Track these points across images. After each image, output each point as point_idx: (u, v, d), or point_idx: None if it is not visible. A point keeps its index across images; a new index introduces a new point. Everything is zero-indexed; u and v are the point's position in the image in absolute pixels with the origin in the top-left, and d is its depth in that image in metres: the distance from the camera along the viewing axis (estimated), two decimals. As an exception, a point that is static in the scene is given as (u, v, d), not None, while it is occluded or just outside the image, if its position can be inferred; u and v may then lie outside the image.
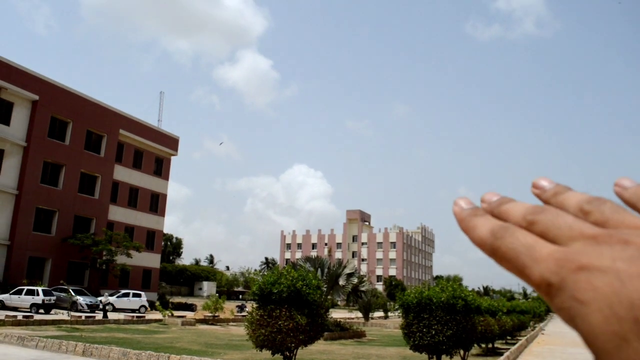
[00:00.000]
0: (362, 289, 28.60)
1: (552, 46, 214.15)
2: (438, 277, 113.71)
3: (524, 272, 0.34)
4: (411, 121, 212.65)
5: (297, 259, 30.54)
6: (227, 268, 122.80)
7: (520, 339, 24.10)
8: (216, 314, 32.75)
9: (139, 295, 39.88)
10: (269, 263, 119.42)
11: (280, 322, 10.24)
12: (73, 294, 33.83)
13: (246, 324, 11.07)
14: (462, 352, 14.11)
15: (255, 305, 11.22)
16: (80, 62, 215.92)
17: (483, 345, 19.78)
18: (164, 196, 56.77)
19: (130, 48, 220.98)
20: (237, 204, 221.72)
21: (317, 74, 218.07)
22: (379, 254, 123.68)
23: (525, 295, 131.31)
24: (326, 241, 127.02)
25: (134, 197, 52.70)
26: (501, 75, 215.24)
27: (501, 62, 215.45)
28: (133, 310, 37.42)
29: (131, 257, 44.31)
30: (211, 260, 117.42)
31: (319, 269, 25.62)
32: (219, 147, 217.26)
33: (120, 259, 44.02)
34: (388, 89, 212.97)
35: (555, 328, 45.47)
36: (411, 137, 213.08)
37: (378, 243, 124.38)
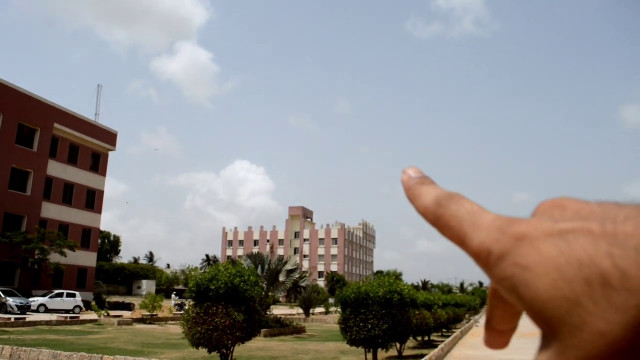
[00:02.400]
0: (302, 284, 28.73)
1: (489, 45, 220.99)
2: (379, 273, 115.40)
3: (464, 240, 0.32)
4: (353, 117, 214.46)
5: (239, 255, 30.34)
6: (168, 266, 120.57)
7: (455, 331, 24.86)
8: (154, 313, 32.14)
9: (73, 295, 38.66)
10: (210, 260, 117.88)
11: (216, 320, 10.18)
12: (2, 295, 32.44)
13: (182, 322, 10.95)
14: (398, 345, 14.45)
15: (192, 303, 11.11)
16: (9, 50, 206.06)
17: (419, 338, 20.28)
18: (101, 192, 55.15)
19: (64, 36, 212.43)
20: (176, 201, 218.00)
21: (258, 67, 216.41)
22: (321, 250, 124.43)
23: (462, 288, 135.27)
24: (268, 238, 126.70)
25: (68, 194, 50.93)
26: (440, 73, 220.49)
27: (440, 60, 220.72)
28: (67, 311, 36.20)
29: (65, 256, 42.81)
30: (151, 258, 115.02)
31: (259, 266, 25.57)
32: (158, 143, 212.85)
33: (54, 258, 42.47)
34: (330, 84, 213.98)
35: (489, 320, 46.99)
36: (353, 133, 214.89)
37: (320, 239, 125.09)
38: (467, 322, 35.29)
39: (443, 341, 18.50)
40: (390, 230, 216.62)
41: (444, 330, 26.05)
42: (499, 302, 0.37)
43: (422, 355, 14.10)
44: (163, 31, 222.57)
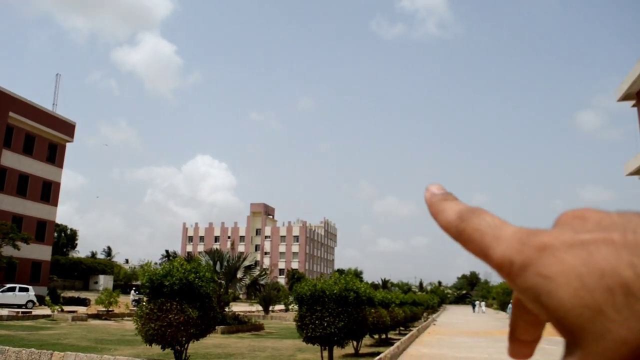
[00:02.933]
0: (262, 282, 28.66)
1: (452, 48, 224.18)
2: (339, 271, 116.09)
3: (487, 253, 0.33)
4: (316, 115, 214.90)
5: (199, 252, 30.06)
6: (127, 261, 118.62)
7: (413, 330, 25.18)
8: (110, 309, 31.57)
9: (26, 290, 37.64)
10: (169, 256, 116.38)
11: (170, 316, 10.07)
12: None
13: (135, 318, 10.78)
14: (354, 342, 14.54)
15: (145, 299, 10.95)
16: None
17: (376, 336, 20.46)
18: (57, 185, 53.81)
19: (22, 22, 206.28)
20: (136, 195, 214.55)
21: (222, 62, 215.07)
22: (282, 248, 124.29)
23: (421, 287, 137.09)
24: (229, 234, 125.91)
25: (23, 185, 49.53)
26: (403, 74, 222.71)
27: (404, 60, 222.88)
28: (19, 306, 35.27)
29: (19, 249, 41.59)
30: (109, 252, 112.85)
31: (218, 262, 25.39)
32: (118, 136, 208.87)
33: (7, 251, 41.23)
34: (294, 81, 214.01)
35: (445, 319, 47.85)
36: (315, 131, 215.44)
37: (281, 237, 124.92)
38: (425, 321, 35.77)
39: (400, 339, 18.72)
40: (351, 229, 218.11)
41: (401, 328, 26.35)
42: (523, 313, 0.37)
43: (378, 353, 14.22)
44: (125, 21, 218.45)
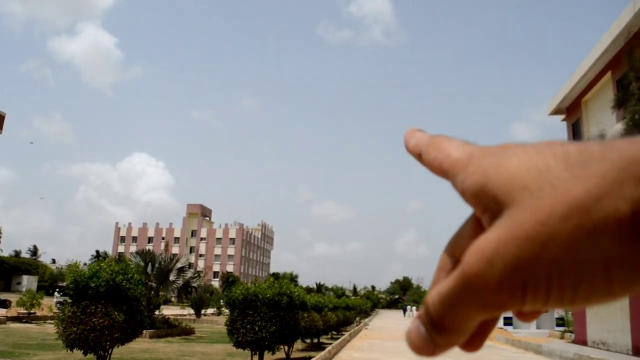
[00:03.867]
0: (194, 284, 28.09)
1: (396, 55, 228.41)
2: (274, 274, 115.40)
3: (448, 156, 0.35)
4: (257, 116, 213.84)
5: (132, 252, 29.13)
6: (53, 261, 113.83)
7: (345, 334, 25.32)
8: (32, 311, 30.10)
9: (-61, 290, 35.41)
10: (100, 256, 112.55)
11: (94, 319, 9.64)
12: None
13: (56, 321, 10.27)
14: (286, 347, 14.43)
15: (69, 301, 10.45)
16: None
17: (308, 341, 20.42)
18: (-21, 180, 50.96)
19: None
20: (67, 192, 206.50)
21: (164, 57, 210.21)
22: (218, 250, 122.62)
23: (355, 292, 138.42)
24: (164, 235, 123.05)
25: (-59, 179, 46.65)
26: (347, 79, 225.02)
27: (348, 66, 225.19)
28: None
29: None
30: (34, 252, 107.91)
31: (150, 263, 24.67)
32: (52, 129, 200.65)
33: None
34: (236, 80, 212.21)
35: (378, 323, 48.46)
36: (256, 132, 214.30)
37: (217, 239, 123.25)
38: (357, 325, 36.06)
39: (331, 344, 18.75)
40: (289, 232, 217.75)
41: (333, 332, 26.42)
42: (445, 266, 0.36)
43: (310, 358, 14.19)
44: (65, 9, 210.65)
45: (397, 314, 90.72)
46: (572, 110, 28.23)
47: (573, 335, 27.09)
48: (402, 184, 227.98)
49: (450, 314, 0.31)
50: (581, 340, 25.05)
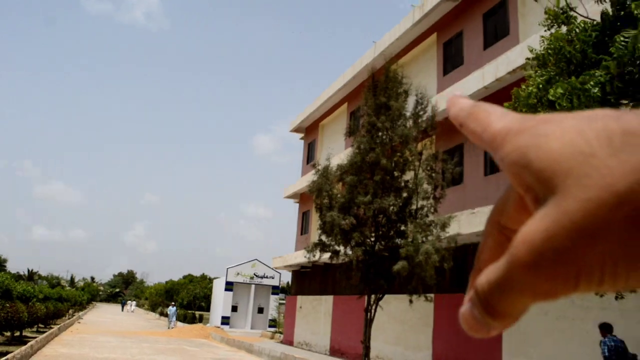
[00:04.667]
0: None
1: (155, 41, 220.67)
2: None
3: (488, 127, 0.34)
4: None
5: None
6: None
7: (54, 327, 23.36)
8: None
9: None
10: None
11: None
12: None
13: None
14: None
15: None
16: None
17: (8, 333, 18.32)
18: None
19: None
20: None
21: None
22: None
23: (72, 283, 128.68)
24: None
25: None
26: (101, 52, 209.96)
27: (103, 39, 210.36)
28: None
29: None
30: None
31: None
32: None
33: None
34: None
35: (93, 317, 45.84)
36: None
37: None
38: (69, 318, 33.62)
39: (37, 337, 17.12)
40: (1, 211, 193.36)
41: (40, 325, 24.18)
42: (494, 230, 0.36)
43: (7, 353, 12.73)
44: None
45: (116, 308, 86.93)
46: (310, 131, 30.76)
47: (282, 336, 29.21)
48: (140, 174, 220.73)
49: (502, 301, 0.30)
50: (289, 341, 27.17)
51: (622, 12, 6.55)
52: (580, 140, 0.28)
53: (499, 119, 0.33)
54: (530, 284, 0.28)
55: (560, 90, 6.02)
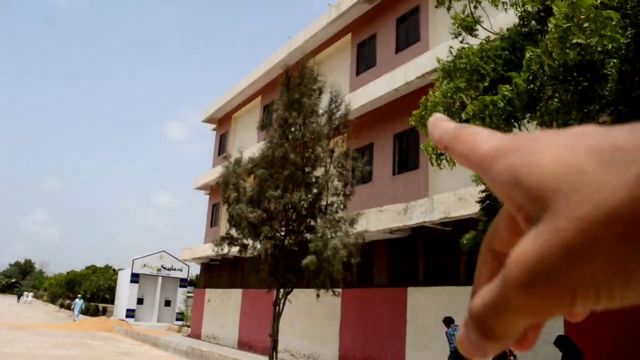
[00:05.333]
0: None
1: (64, 16, 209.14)
2: None
3: (476, 149, 0.33)
4: None
5: None
6: None
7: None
8: None
9: None
10: None
11: None
12: None
13: None
14: None
15: None
16: None
17: None
18: None
19: None
20: None
21: None
22: None
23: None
24: None
25: None
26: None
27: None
28: None
29: None
30: None
31: None
32: None
33: None
34: None
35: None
36: None
37: None
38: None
39: None
40: None
41: None
42: (487, 257, 0.35)
43: None
44: None
45: (11, 299, 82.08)
46: (223, 123, 30.44)
47: (190, 329, 28.84)
48: (42, 157, 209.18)
49: (498, 323, 0.29)
50: (196, 335, 26.87)
51: (526, 29, 7.04)
52: (570, 156, 0.28)
53: (487, 140, 0.33)
54: (525, 305, 0.28)
55: (472, 109, 6.36)
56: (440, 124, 0.37)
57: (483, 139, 0.33)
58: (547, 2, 6.69)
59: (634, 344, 9.44)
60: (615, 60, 5.86)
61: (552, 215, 0.27)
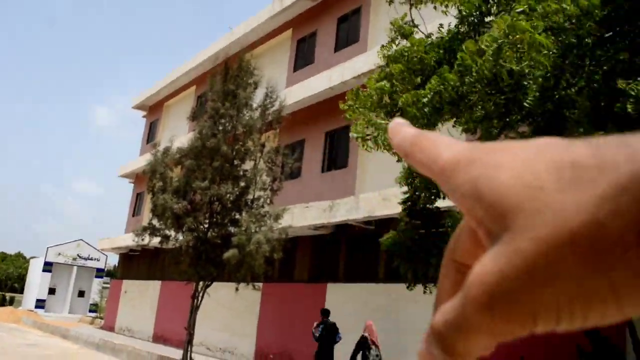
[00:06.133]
0: None
1: None
2: None
3: (436, 158, 0.32)
4: None
5: None
6: None
7: None
8: None
9: None
10: None
11: None
12: None
13: None
14: None
15: None
16: None
17: None
18: None
19: None
20: None
21: None
22: None
23: None
24: None
25: None
26: None
27: None
28: None
29: None
30: None
31: None
32: None
33: None
34: None
35: None
36: None
37: None
38: None
39: None
40: None
41: None
42: (450, 270, 0.34)
43: None
44: None
45: None
46: (154, 110, 29.64)
47: (103, 321, 27.84)
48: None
49: (460, 341, 0.29)
50: (110, 327, 25.96)
51: (461, 30, 7.22)
52: (530, 172, 0.27)
53: (447, 149, 0.32)
54: (487, 325, 0.27)
55: (408, 98, 6.42)
56: (400, 130, 0.36)
57: (444, 146, 0.32)
58: (482, 8, 6.91)
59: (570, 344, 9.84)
60: (539, 72, 6.09)
61: (514, 235, 0.27)
